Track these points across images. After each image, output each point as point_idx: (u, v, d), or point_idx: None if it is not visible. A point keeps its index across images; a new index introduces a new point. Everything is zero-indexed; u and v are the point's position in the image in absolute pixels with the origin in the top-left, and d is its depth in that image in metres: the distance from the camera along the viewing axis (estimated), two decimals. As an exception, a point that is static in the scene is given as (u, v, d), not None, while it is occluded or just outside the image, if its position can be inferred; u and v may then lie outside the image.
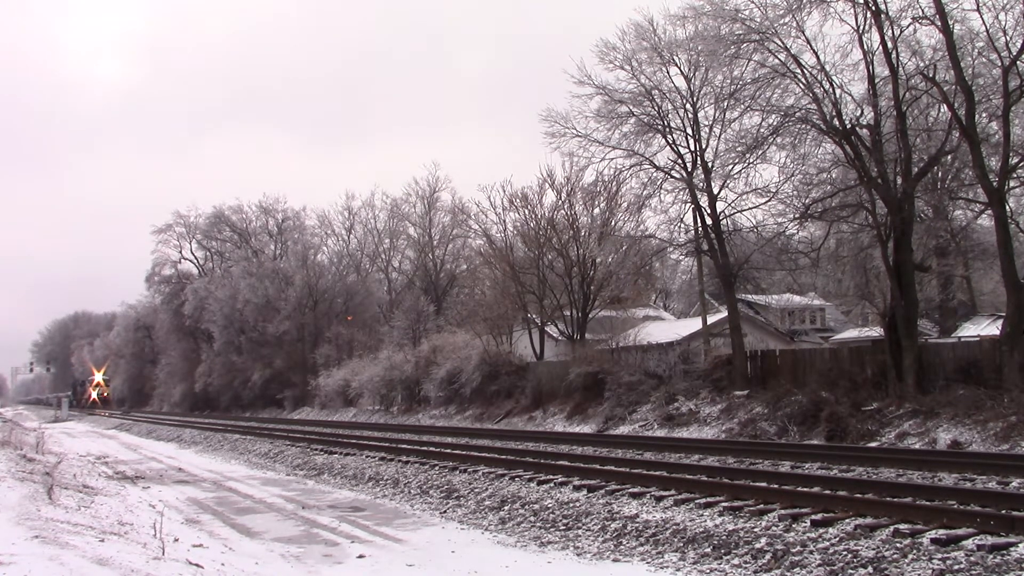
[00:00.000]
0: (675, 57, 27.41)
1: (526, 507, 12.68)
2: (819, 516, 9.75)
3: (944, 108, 20.88)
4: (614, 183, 32.02)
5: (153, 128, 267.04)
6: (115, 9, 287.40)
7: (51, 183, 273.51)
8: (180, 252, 78.37)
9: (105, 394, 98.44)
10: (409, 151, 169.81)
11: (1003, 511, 9.09)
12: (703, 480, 12.83)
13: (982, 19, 19.51)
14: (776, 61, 22.20)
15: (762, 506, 10.71)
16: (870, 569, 8.06)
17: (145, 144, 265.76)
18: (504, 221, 42.26)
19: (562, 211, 38.60)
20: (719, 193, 27.50)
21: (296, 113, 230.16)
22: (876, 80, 21.36)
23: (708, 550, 9.47)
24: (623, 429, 25.35)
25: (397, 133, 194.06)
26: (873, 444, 17.54)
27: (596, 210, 38.35)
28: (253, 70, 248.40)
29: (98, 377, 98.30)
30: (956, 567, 7.72)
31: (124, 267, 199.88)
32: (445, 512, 13.49)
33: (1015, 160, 20.10)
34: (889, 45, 20.70)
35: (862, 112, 21.92)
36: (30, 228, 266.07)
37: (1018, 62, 19.11)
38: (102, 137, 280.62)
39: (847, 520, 9.54)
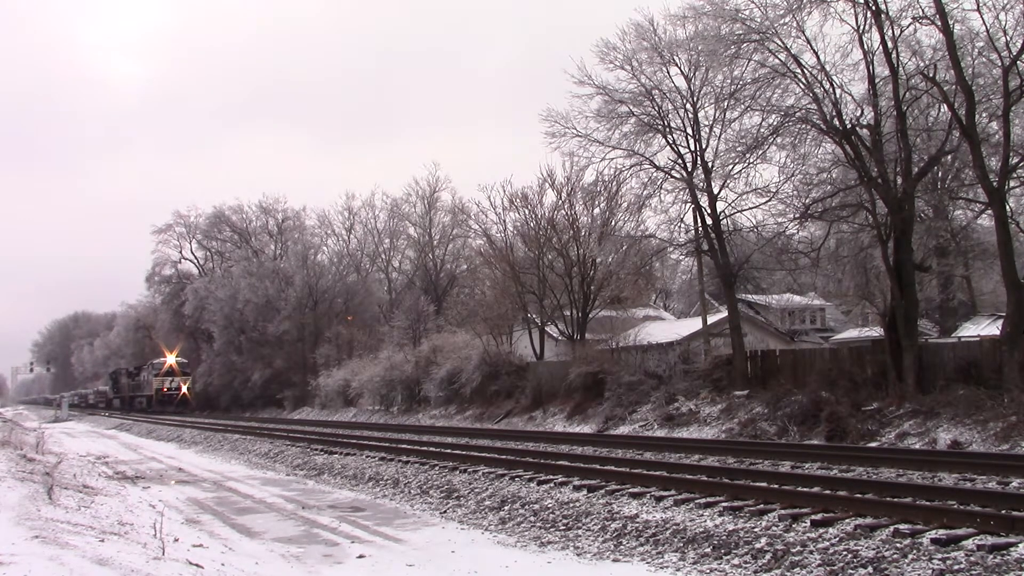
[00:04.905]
0: (675, 57, 27.43)
1: (526, 507, 12.67)
2: (819, 516, 9.75)
3: (944, 108, 20.88)
4: (614, 183, 32.03)
5: (154, 129, 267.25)
6: (116, 11, 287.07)
7: (50, 183, 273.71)
8: (180, 252, 78.42)
9: (184, 388, 66.68)
10: (409, 151, 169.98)
11: (1003, 511, 9.09)
12: (703, 480, 12.82)
13: (982, 19, 19.54)
14: (776, 61, 22.21)
15: (762, 506, 10.71)
16: (870, 569, 8.06)
17: (145, 145, 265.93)
18: (504, 221, 42.37)
19: (562, 211, 38.66)
20: (719, 193, 27.54)
21: (297, 113, 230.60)
22: (876, 80, 21.36)
23: (708, 550, 9.47)
24: (623, 429, 25.34)
25: (397, 133, 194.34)
26: (873, 444, 17.54)
27: (596, 210, 38.43)
28: (255, 72, 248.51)
29: (170, 360, 66.94)
30: (956, 567, 7.72)
31: (124, 267, 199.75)
32: (445, 512, 13.48)
33: (1015, 160, 20.10)
34: (889, 45, 20.70)
35: (862, 112, 21.93)
36: (30, 227, 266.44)
37: (1018, 62, 19.11)
38: (103, 137, 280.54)
39: (847, 520, 9.54)
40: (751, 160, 25.08)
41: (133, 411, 67.77)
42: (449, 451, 20.36)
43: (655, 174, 28.54)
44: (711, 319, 34.02)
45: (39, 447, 26.62)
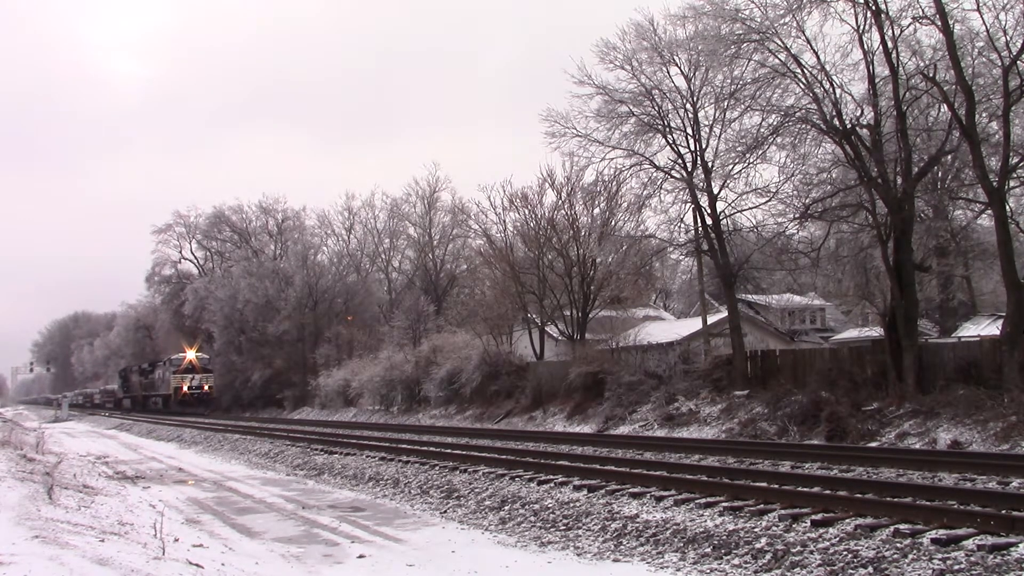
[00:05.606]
0: (675, 57, 27.44)
1: (526, 507, 12.68)
2: (819, 516, 9.75)
3: (944, 108, 20.88)
4: (614, 183, 32.00)
5: (154, 129, 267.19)
6: (116, 11, 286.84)
7: (50, 183, 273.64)
8: (180, 252, 78.53)
9: (207, 387, 61.87)
10: (409, 151, 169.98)
11: (1003, 511, 9.09)
12: (703, 480, 12.83)
13: (982, 19, 19.55)
14: (776, 61, 22.22)
15: (762, 506, 10.71)
16: (870, 569, 8.06)
17: (145, 145, 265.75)
18: (504, 221, 42.34)
19: (562, 211, 38.64)
20: (719, 193, 27.55)
21: (297, 113, 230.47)
22: (876, 80, 21.36)
23: (708, 550, 9.47)
24: (623, 429, 25.35)
25: (397, 133, 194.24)
26: (873, 444, 17.54)
27: (596, 210, 38.39)
28: (255, 72, 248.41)
29: (191, 355, 61.78)
30: (956, 567, 7.72)
31: (124, 267, 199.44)
32: (445, 512, 13.49)
33: (1015, 160, 20.10)
34: (889, 45, 20.70)
35: (862, 112, 21.93)
36: (30, 227, 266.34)
37: (1018, 62, 19.11)
38: (103, 137, 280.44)
39: (847, 520, 9.54)
40: (751, 160, 25.11)
41: (147, 412, 63.39)
42: (449, 451, 20.36)
43: (655, 174, 28.59)
44: (711, 319, 34.02)
45: (39, 447, 26.62)
